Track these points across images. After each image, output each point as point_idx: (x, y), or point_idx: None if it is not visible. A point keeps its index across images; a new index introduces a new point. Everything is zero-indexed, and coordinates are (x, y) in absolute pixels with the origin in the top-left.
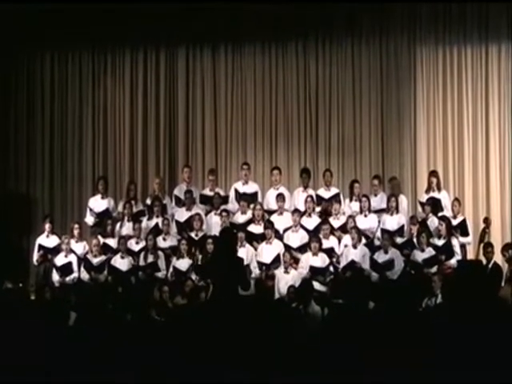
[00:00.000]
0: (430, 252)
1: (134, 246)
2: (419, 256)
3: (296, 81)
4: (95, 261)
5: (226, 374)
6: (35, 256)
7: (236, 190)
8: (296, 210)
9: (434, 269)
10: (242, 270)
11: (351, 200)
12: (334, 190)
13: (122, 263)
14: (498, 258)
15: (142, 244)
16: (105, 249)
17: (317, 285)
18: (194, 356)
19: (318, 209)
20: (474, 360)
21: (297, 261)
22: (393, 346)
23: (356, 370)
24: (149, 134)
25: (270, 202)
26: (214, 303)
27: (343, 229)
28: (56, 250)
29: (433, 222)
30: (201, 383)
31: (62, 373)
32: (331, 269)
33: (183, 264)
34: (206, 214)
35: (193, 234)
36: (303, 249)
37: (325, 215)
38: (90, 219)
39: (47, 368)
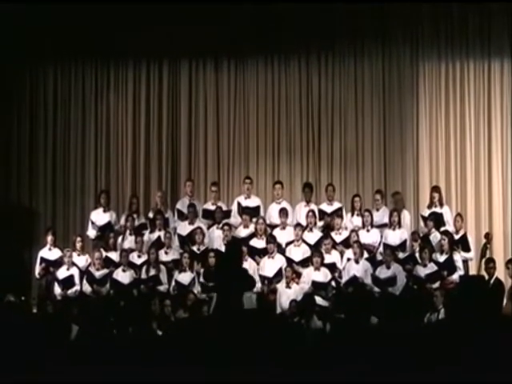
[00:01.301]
0: (432, 267)
1: (136, 259)
2: (421, 271)
3: (298, 95)
4: (98, 274)
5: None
6: (37, 269)
7: (239, 204)
8: (298, 225)
9: (437, 284)
10: (246, 273)
11: (352, 215)
12: (336, 205)
13: (123, 276)
14: (499, 273)
15: (144, 257)
16: (107, 262)
17: (319, 299)
18: (196, 364)
19: (320, 223)
20: (475, 376)
21: (299, 275)
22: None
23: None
24: (151, 147)
25: (273, 216)
26: (218, 314)
27: (345, 243)
28: (58, 263)
29: (435, 237)
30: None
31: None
32: (333, 284)
33: (185, 277)
34: (208, 228)
35: (195, 248)
36: (305, 263)
37: (327, 230)
38: (91, 232)
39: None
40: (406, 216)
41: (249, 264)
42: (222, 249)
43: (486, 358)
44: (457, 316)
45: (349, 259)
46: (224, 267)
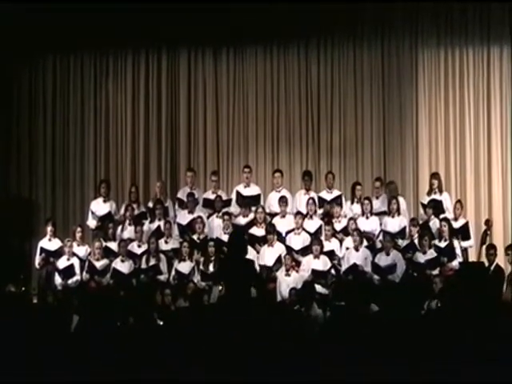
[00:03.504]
0: (431, 254)
1: (136, 249)
2: (421, 258)
3: (298, 83)
4: (99, 264)
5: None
6: (37, 259)
7: (238, 193)
8: (298, 213)
9: (436, 271)
10: (254, 270)
11: (353, 202)
12: (335, 193)
13: (122, 266)
14: (500, 260)
15: (144, 247)
16: (106, 252)
17: (319, 287)
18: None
19: (319, 211)
20: (473, 361)
21: (298, 264)
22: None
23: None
24: (150, 136)
25: (272, 204)
26: (227, 303)
27: (345, 231)
28: (58, 253)
29: (435, 224)
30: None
31: (62, 374)
32: (333, 271)
33: (185, 267)
34: (208, 217)
35: (195, 237)
36: (305, 251)
37: (328, 218)
38: (92, 222)
39: (48, 369)
40: (403, 203)
41: (249, 252)
42: (223, 238)
43: (485, 345)
44: (456, 302)
45: (348, 248)
46: (230, 259)
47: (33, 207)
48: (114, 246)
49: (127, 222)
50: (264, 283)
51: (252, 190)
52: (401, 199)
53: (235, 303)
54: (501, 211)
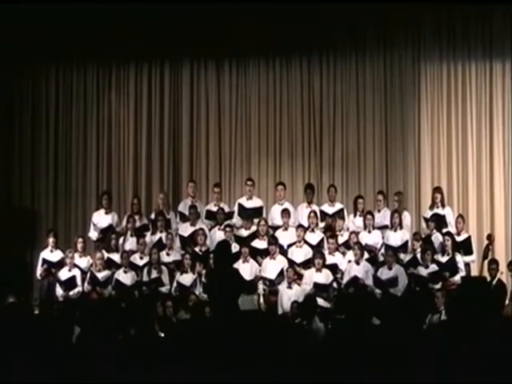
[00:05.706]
0: (433, 268)
1: (138, 260)
2: (423, 272)
3: (300, 96)
4: (101, 275)
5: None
6: (39, 270)
7: (240, 205)
8: (300, 226)
9: (438, 285)
10: (238, 276)
11: (355, 216)
12: (338, 206)
13: (125, 278)
14: (502, 274)
15: (146, 259)
16: (108, 264)
17: (320, 301)
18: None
19: (321, 224)
20: (475, 377)
21: (300, 277)
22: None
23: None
24: (153, 148)
25: (275, 217)
26: (215, 318)
27: (347, 245)
28: (60, 265)
29: (437, 238)
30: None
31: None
32: (335, 285)
33: (187, 279)
34: (210, 229)
35: (197, 249)
36: (307, 264)
37: (330, 231)
38: (93, 234)
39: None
40: (407, 217)
41: (250, 265)
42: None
43: (486, 360)
44: (458, 317)
45: (350, 261)
46: (215, 270)
47: (35, 218)
48: (116, 257)
49: (129, 233)
50: (249, 288)
51: (254, 203)
52: (406, 213)
53: (222, 314)
54: (503, 226)
